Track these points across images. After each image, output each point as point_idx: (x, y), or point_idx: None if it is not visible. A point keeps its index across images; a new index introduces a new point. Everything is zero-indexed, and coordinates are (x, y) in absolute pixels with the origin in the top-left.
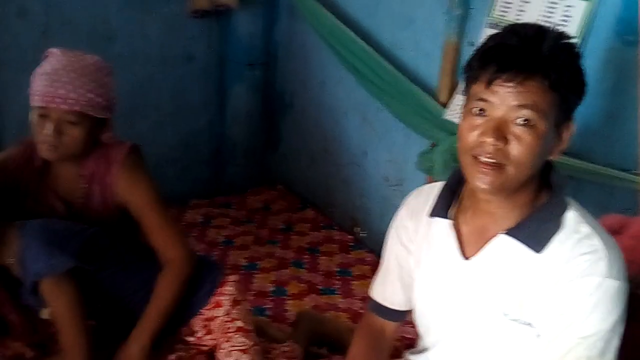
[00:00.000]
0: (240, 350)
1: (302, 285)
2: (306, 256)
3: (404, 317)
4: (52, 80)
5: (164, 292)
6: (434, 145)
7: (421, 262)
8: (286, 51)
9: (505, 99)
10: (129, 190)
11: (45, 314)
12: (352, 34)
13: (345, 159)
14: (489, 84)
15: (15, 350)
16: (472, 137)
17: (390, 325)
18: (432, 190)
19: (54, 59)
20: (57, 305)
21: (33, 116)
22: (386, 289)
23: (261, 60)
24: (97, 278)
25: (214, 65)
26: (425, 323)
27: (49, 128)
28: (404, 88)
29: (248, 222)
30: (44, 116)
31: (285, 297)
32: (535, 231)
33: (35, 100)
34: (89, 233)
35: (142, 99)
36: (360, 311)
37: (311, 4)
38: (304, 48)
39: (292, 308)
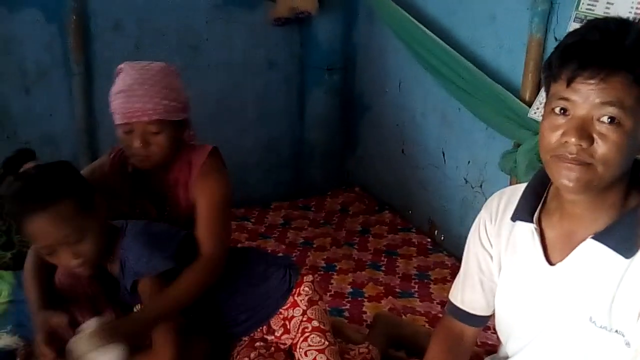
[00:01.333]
0: (317, 350)
1: (380, 287)
2: (384, 259)
3: (484, 322)
4: (127, 97)
5: (179, 288)
6: (517, 145)
7: (503, 267)
8: (364, 54)
9: (588, 97)
10: (199, 190)
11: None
12: (430, 33)
13: (423, 161)
14: (570, 82)
15: None
16: (555, 137)
17: (469, 330)
18: (515, 193)
19: (125, 75)
20: (152, 303)
21: (119, 133)
22: (466, 293)
23: (340, 64)
24: None
25: (294, 71)
26: (507, 330)
27: (136, 142)
28: (486, 87)
29: (326, 224)
30: (128, 132)
31: (362, 298)
32: (625, 236)
33: (118, 119)
34: (181, 236)
35: (228, 105)
36: (439, 315)
37: (389, 5)
38: (382, 51)
39: (369, 310)
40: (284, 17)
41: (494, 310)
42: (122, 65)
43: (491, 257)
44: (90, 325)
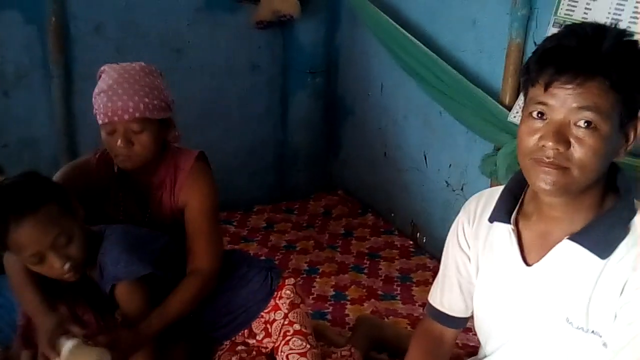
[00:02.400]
0: (299, 353)
1: (362, 290)
2: (366, 261)
3: (463, 324)
4: (108, 96)
5: (180, 301)
6: (497, 149)
7: (481, 268)
8: (347, 58)
9: (565, 102)
10: (189, 195)
11: (118, 314)
12: (412, 38)
13: (405, 164)
14: (547, 86)
15: None
16: (532, 141)
17: (449, 332)
18: (493, 195)
19: (106, 76)
20: (129, 308)
21: (102, 134)
22: (444, 295)
23: (323, 67)
24: (167, 284)
25: (277, 74)
26: (486, 331)
27: (119, 141)
28: (467, 91)
29: (309, 227)
30: (111, 132)
31: (345, 301)
32: (601, 237)
33: (100, 119)
34: (163, 241)
35: (211, 108)
36: (421, 317)
37: (371, 10)
38: (365, 54)
39: (352, 313)
40: (266, 21)
41: (473, 312)
42: (103, 67)
43: (469, 259)
44: (67, 345)
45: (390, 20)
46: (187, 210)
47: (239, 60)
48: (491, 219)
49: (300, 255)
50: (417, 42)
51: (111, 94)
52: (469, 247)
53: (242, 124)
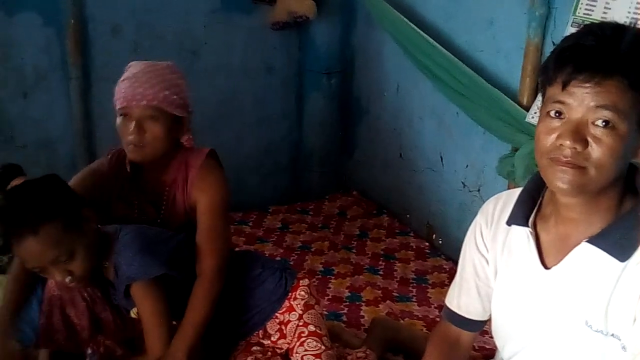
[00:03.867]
0: (313, 354)
1: (378, 291)
2: (382, 263)
3: (480, 327)
4: (131, 83)
5: (198, 306)
6: (515, 150)
7: (499, 271)
8: (362, 58)
9: (583, 100)
10: (199, 193)
11: (134, 313)
12: (428, 38)
13: (421, 165)
14: (565, 85)
15: (107, 348)
16: (550, 140)
17: (465, 335)
18: (511, 197)
19: (132, 68)
20: (144, 307)
21: (118, 121)
22: (462, 298)
23: (338, 68)
24: (182, 284)
25: (292, 75)
26: (504, 334)
27: (131, 126)
28: (484, 91)
29: (324, 227)
30: (126, 116)
31: (360, 303)
32: (619, 239)
33: (119, 103)
34: (175, 241)
35: (226, 109)
36: (436, 319)
37: (387, 10)
38: (380, 55)
39: (367, 314)
40: (282, 22)
41: (490, 315)
42: (131, 63)
43: (487, 262)
44: None
45: (407, 20)
46: (196, 208)
47: (254, 61)
48: (509, 222)
49: (315, 256)
50: (434, 42)
51: (134, 80)
52: (487, 250)
53: (258, 125)
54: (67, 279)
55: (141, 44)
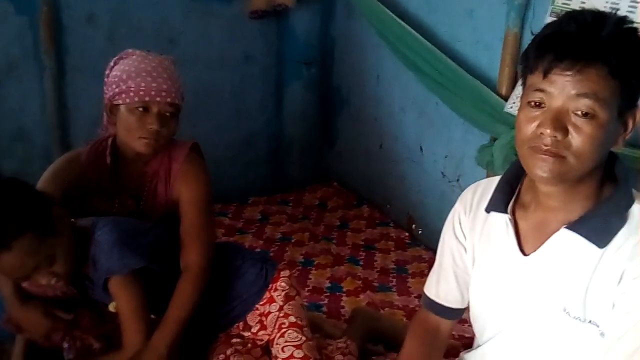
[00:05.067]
0: (294, 345)
1: (358, 282)
2: (362, 253)
3: (459, 315)
4: (153, 78)
5: (182, 301)
6: (494, 140)
7: (477, 258)
8: (342, 48)
9: (563, 88)
10: (183, 186)
11: (112, 307)
12: (409, 28)
13: (401, 155)
14: (546, 73)
15: (84, 342)
16: (530, 129)
17: (445, 323)
18: (490, 185)
19: (136, 61)
20: (122, 301)
21: (127, 116)
22: (440, 286)
23: (318, 58)
24: (160, 277)
25: (272, 65)
26: (482, 321)
27: (152, 120)
28: (463, 82)
29: (305, 218)
30: (145, 110)
31: (340, 293)
32: (598, 226)
33: (138, 97)
34: (155, 233)
35: (204, 100)
36: (417, 309)
37: (367, 0)
38: (360, 44)
39: (347, 305)
40: (261, 10)
41: (468, 303)
42: (128, 51)
43: (465, 250)
44: None
45: (387, 10)
46: (180, 202)
47: (232, 50)
48: (488, 209)
49: (296, 248)
50: (414, 32)
51: (156, 75)
52: (465, 238)
53: (236, 115)
54: (53, 281)
55: (116, 32)
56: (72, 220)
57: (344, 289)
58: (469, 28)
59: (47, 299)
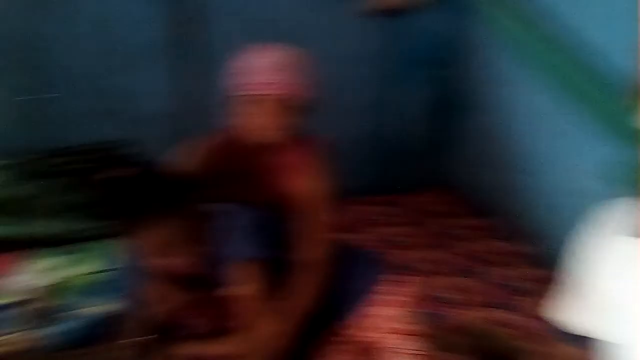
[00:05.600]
0: (402, 352)
1: (471, 295)
2: (478, 265)
3: (592, 345)
4: (274, 71)
5: (302, 295)
6: (630, 154)
7: (620, 286)
8: (467, 50)
9: None
10: (306, 180)
11: (234, 291)
12: (545, 31)
13: (525, 165)
14: None
15: (200, 322)
16: None
17: (577, 353)
18: (631, 205)
19: (260, 54)
20: (245, 287)
21: (246, 106)
22: (575, 312)
23: (440, 58)
24: (282, 267)
25: (390, 64)
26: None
27: (264, 113)
28: (602, 91)
29: (418, 223)
30: (260, 101)
31: (451, 305)
32: None
33: (258, 88)
34: (279, 225)
35: (324, 97)
36: (536, 330)
37: None
38: (487, 47)
39: (459, 317)
40: (384, 8)
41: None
42: (253, 45)
43: (605, 275)
44: None
45: (523, 9)
46: (301, 196)
47: (349, 48)
48: (631, 233)
49: (407, 252)
50: (550, 35)
51: (277, 69)
52: (606, 262)
53: (351, 114)
54: (182, 261)
55: (244, 26)
56: (202, 204)
57: (456, 301)
58: (615, 31)
59: (172, 277)
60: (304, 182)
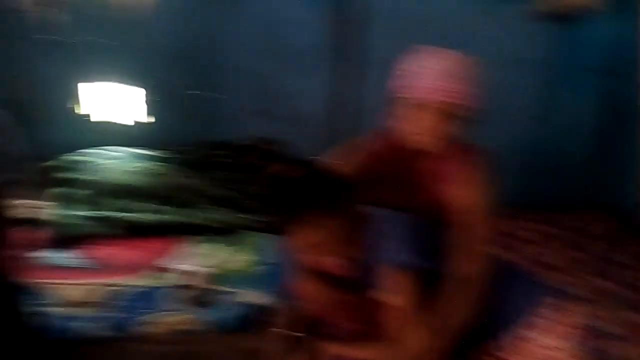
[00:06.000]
0: None
1: (638, 331)
2: None
3: None
4: (439, 75)
5: (456, 309)
6: None
7: None
8: None
9: None
10: (465, 191)
11: (385, 297)
12: None
13: None
14: None
15: (344, 323)
16: None
17: None
18: None
19: (428, 57)
20: (397, 294)
21: (406, 109)
22: None
23: (611, 67)
24: (437, 278)
25: (556, 71)
26: None
27: (428, 119)
28: None
29: (577, 246)
30: (422, 107)
31: (615, 339)
32: None
33: (418, 92)
34: (435, 234)
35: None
36: None
37: None
38: None
39: (623, 354)
40: (558, 10)
41: None
42: (423, 47)
43: None
44: None
45: None
46: (460, 207)
47: (513, 52)
48: None
49: (565, 277)
50: None
51: (442, 73)
52: None
53: (509, 122)
54: (336, 260)
55: (406, 29)
56: (358, 205)
57: (619, 335)
58: None
59: (323, 276)
60: (464, 192)
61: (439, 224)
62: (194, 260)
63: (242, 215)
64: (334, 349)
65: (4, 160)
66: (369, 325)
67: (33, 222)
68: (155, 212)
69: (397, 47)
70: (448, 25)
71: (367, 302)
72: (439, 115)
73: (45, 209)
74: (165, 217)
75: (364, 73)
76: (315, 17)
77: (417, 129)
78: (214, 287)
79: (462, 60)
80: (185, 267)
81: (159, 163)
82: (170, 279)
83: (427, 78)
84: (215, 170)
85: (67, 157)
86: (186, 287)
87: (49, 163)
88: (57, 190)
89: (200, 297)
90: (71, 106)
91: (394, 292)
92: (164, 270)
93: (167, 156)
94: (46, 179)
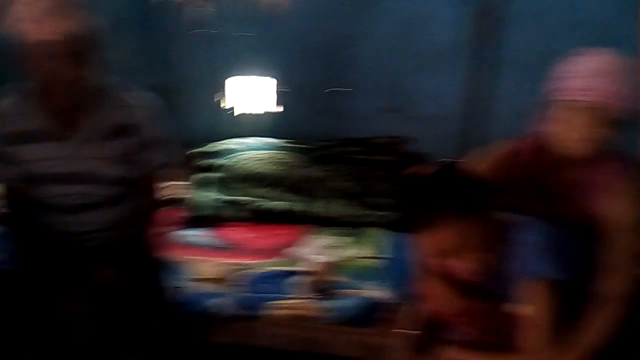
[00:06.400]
0: None
1: None
2: None
3: None
4: (586, 76)
5: (595, 329)
6: None
7: None
8: None
9: None
10: (615, 205)
11: (520, 309)
12: None
13: None
14: None
15: (469, 331)
16: None
17: None
18: None
19: (588, 57)
20: (535, 306)
21: (559, 113)
22: None
23: None
24: (579, 293)
25: None
26: None
27: (582, 124)
28: None
29: None
30: (572, 110)
31: None
32: None
33: (573, 95)
34: (581, 247)
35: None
36: None
37: None
38: None
39: None
40: None
41: None
42: (585, 49)
43: None
44: None
45: None
46: (612, 221)
47: None
48: None
49: None
50: None
51: (599, 75)
52: None
53: None
54: (468, 266)
55: (555, 31)
56: (496, 210)
57: None
58: None
59: (451, 280)
60: (615, 204)
61: (584, 236)
62: (319, 250)
63: (367, 211)
64: (454, 354)
65: (161, 143)
66: (495, 336)
67: (177, 203)
68: (284, 200)
69: (540, 49)
70: (610, 32)
71: (495, 311)
72: (592, 118)
73: (187, 191)
74: (294, 206)
75: (502, 74)
76: (457, 16)
77: (568, 133)
78: (337, 278)
79: (618, 61)
80: (311, 256)
81: (290, 153)
82: (296, 266)
83: (580, 78)
84: (345, 165)
85: (208, 145)
86: (311, 275)
87: (193, 150)
88: (198, 175)
89: (324, 287)
90: (217, 100)
91: (530, 304)
92: (291, 256)
93: (296, 146)
94: (190, 165)
